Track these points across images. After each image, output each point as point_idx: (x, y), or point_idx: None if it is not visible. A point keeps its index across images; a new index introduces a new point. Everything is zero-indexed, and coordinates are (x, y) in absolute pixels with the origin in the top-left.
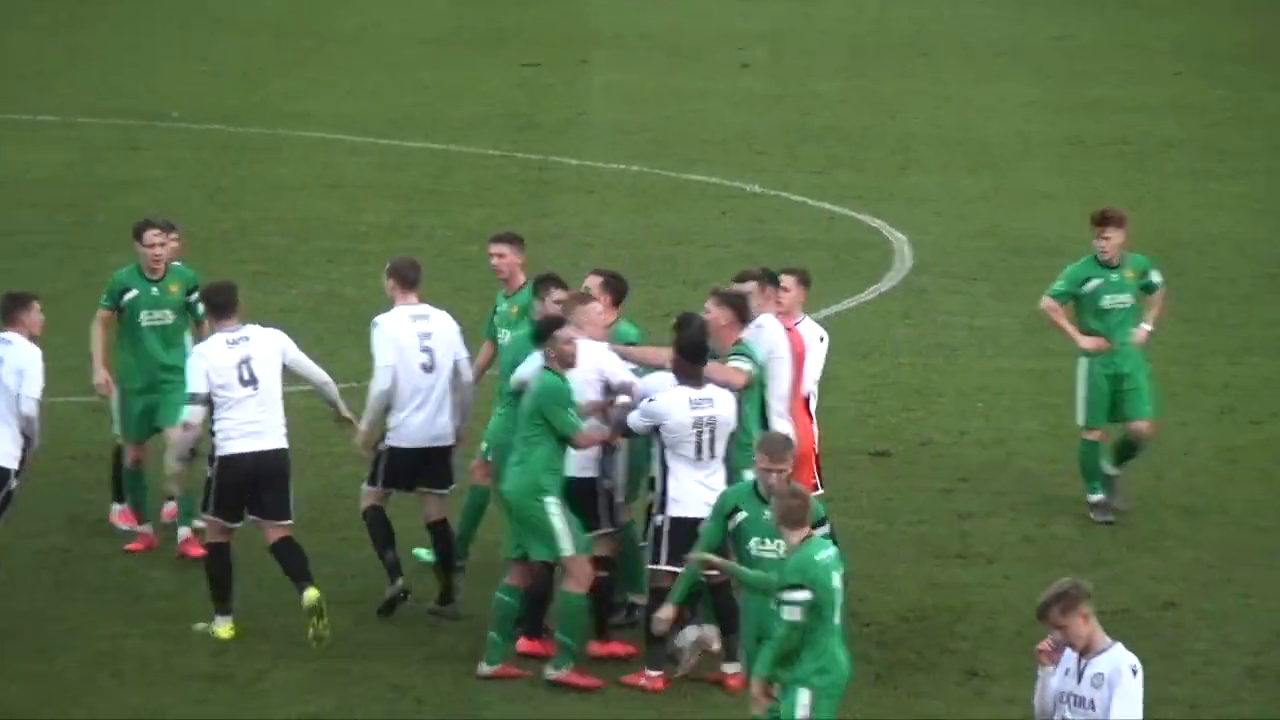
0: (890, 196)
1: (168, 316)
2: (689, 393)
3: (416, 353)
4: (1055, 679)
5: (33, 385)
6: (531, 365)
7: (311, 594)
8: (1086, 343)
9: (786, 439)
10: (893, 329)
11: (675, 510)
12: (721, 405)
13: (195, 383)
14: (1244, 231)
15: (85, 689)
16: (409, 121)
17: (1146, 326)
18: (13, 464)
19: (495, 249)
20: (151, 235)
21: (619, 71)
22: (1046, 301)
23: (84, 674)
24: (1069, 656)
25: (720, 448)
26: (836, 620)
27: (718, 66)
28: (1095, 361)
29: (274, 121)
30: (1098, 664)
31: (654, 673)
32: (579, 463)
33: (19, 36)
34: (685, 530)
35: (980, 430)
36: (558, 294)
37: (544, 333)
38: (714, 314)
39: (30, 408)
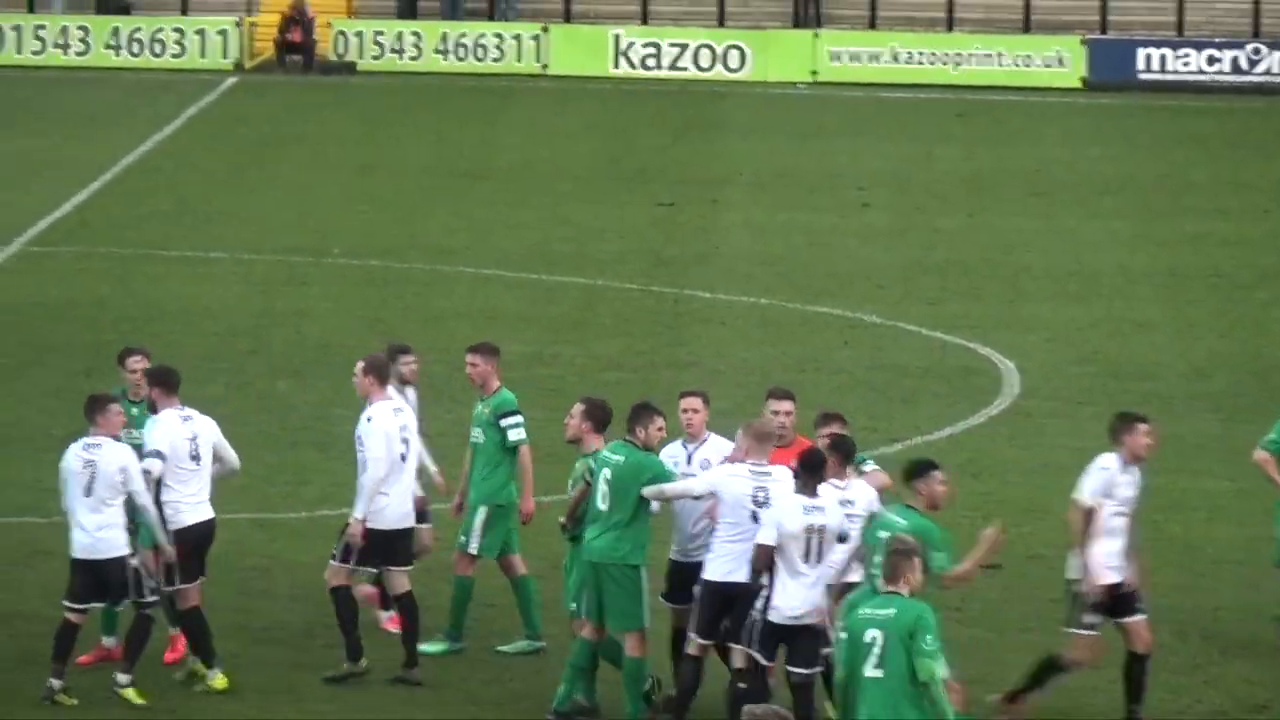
0: (1002, 325)
1: (140, 437)
2: (803, 500)
3: (398, 443)
4: None
5: (137, 482)
6: (727, 487)
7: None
8: None
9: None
10: (1001, 450)
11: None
12: (830, 514)
13: (159, 441)
14: None
15: None
16: (559, 256)
17: None
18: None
19: (469, 358)
20: (133, 361)
21: (748, 210)
22: (1260, 454)
23: None
24: None
25: (826, 553)
26: (869, 674)
27: (842, 204)
28: None
29: (431, 258)
30: None
31: None
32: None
33: (191, 178)
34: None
35: None
36: (659, 421)
37: (919, 472)
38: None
39: (144, 501)
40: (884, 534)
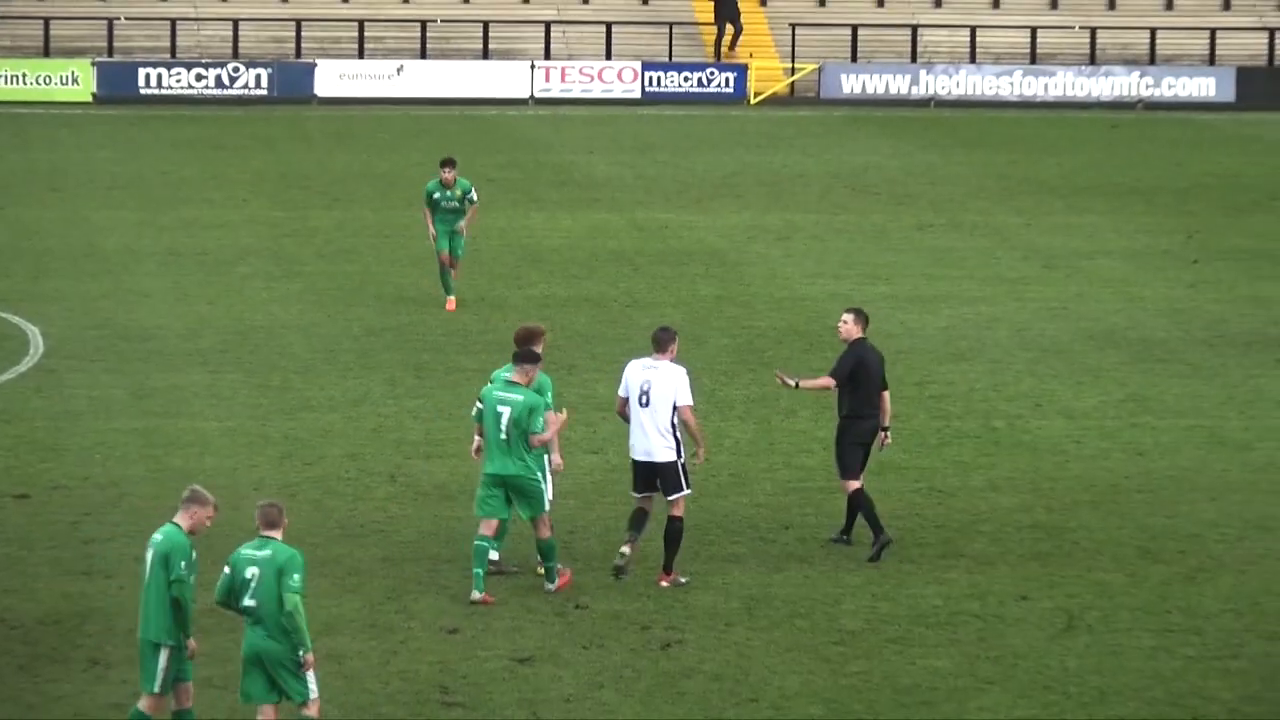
0: (28, 298)
1: None
2: None
3: None
4: None
5: None
6: None
7: None
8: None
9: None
10: (29, 400)
11: None
12: None
13: None
14: (305, 317)
15: None
16: None
17: None
18: None
19: None
20: None
21: None
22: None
23: None
24: None
25: None
26: (246, 603)
27: None
28: None
29: None
30: None
31: None
32: None
33: None
34: None
35: (99, 476)
36: None
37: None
38: None
39: None
40: (503, 409)
